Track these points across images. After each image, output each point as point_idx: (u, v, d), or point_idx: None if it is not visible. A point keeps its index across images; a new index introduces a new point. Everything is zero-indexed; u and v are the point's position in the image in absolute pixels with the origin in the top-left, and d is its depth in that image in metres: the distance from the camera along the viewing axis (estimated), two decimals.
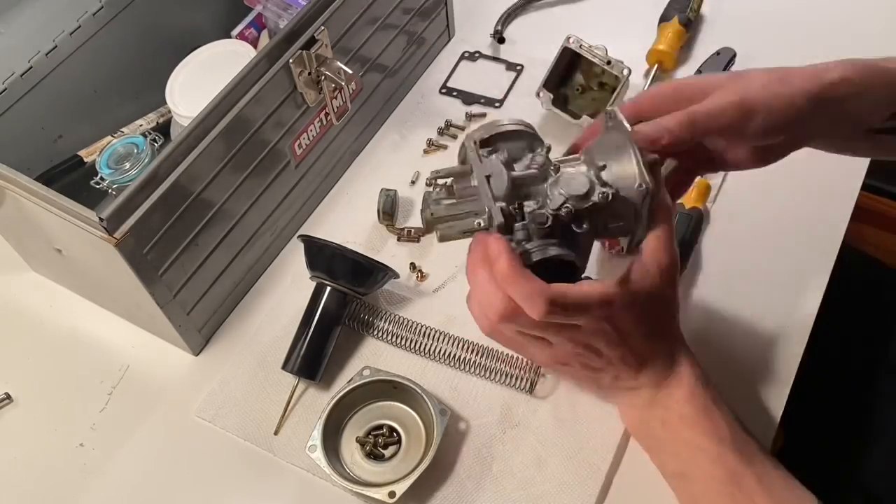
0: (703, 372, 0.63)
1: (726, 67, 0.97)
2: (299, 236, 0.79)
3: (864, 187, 0.87)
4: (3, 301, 0.88)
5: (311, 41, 0.78)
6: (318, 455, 0.70)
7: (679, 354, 0.63)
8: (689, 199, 0.84)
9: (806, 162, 0.89)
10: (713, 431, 0.61)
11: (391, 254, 0.86)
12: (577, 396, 0.74)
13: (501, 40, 1.05)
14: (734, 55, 0.97)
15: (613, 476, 0.70)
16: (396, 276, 0.80)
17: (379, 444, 0.72)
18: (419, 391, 0.72)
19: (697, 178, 0.78)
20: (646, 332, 0.60)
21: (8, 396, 0.80)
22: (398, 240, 0.87)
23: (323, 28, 0.79)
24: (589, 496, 0.69)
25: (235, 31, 0.99)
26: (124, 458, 0.75)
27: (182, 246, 0.73)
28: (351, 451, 0.72)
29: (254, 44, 0.99)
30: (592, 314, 0.57)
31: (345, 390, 0.73)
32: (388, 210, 0.87)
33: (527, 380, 0.74)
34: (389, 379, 0.74)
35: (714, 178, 0.87)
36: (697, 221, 0.82)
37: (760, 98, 0.60)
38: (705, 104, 0.61)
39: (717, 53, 0.98)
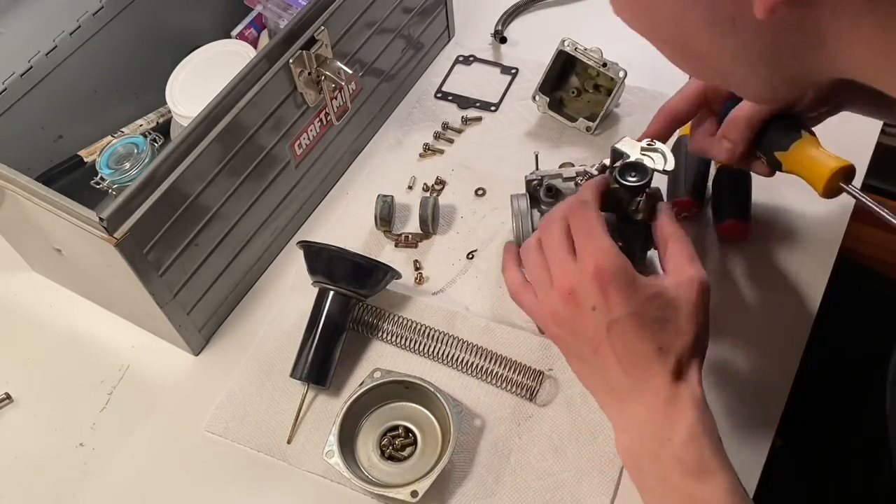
0: (708, 417, 0.58)
1: None
2: (298, 243, 0.79)
3: (864, 187, 0.87)
4: (3, 301, 0.88)
5: (311, 41, 0.78)
6: (336, 460, 0.70)
7: (683, 386, 0.58)
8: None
9: None
10: (711, 484, 0.55)
11: (388, 259, 0.86)
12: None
13: (503, 40, 1.05)
14: None
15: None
16: (398, 275, 0.80)
17: (396, 445, 0.73)
18: (432, 390, 0.72)
19: None
20: (640, 331, 0.57)
21: (8, 396, 0.80)
22: (395, 245, 0.87)
23: (323, 28, 0.79)
24: (608, 483, 0.69)
25: (235, 31, 0.99)
26: (124, 458, 0.75)
27: (182, 246, 0.73)
28: (367, 453, 0.72)
29: (254, 44, 0.99)
30: (594, 243, 0.59)
31: (357, 393, 0.73)
32: (386, 216, 0.87)
33: (527, 387, 0.74)
34: (401, 379, 0.74)
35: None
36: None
37: None
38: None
39: None
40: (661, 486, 0.57)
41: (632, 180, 0.65)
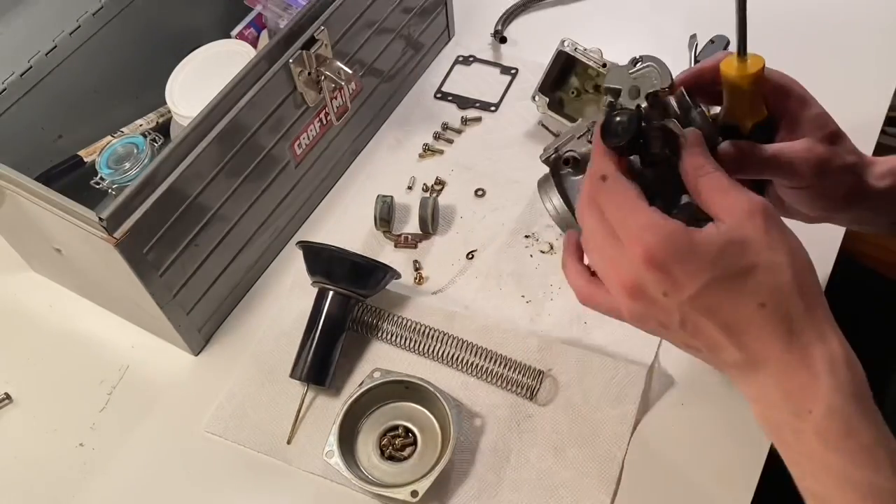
0: (851, 376, 0.48)
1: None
2: (298, 243, 0.79)
3: None
4: (3, 301, 0.87)
5: (311, 41, 0.78)
6: (336, 460, 0.70)
7: (810, 345, 0.48)
8: None
9: None
10: (865, 459, 0.47)
11: (388, 260, 0.86)
12: (589, 385, 0.75)
13: (503, 40, 1.05)
14: (728, 42, 0.98)
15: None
16: (398, 275, 0.80)
17: (396, 445, 0.72)
18: (432, 390, 0.72)
19: None
20: (728, 294, 0.48)
21: (8, 396, 0.80)
22: (395, 246, 0.87)
23: (323, 28, 0.79)
24: (609, 482, 0.70)
25: (235, 31, 0.99)
26: (124, 458, 0.75)
27: (182, 246, 0.73)
28: (367, 453, 0.72)
29: (254, 44, 0.99)
30: (632, 224, 0.49)
31: (357, 393, 0.73)
32: (385, 217, 0.87)
33: (527, 387, 0.74)
34: (401, 379, 0.74)
35: None
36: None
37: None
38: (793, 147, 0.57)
39: (712, 41, 0.98)
40: (810, 463, 0.49)
41: (617, 131, 0.53)
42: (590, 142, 0.61)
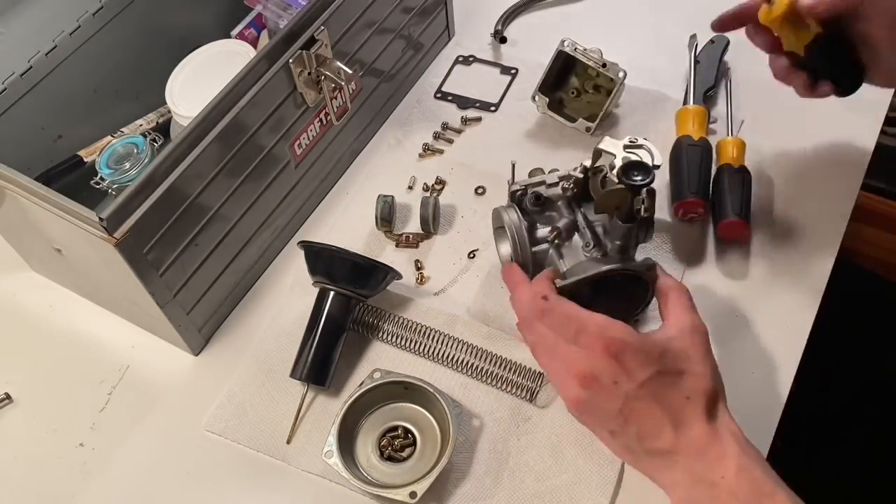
0: (751, 446, 0.60)
1: (721, 55, 0.97)
2: (299, 243, 0.79)
3: (864, 187, 0.87)
4: (2, 301, 0.88)
5: (311, 41, 0.78)
6: (335, 461, 0.70)
7: (720, 425, 0.60)
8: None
9: (806, 161, 0.89)
10: None
11: (389, 260, 0.86)
12: None
13: (503, 40, 1.05)
14: (728, 42, 0.98)
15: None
16: (399, 275, 0.80)
17: (395, 446, 0.73)
18: (432, 391, 0.72)
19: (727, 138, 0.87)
20: (665, 388, 0.60)
21: (8, 396, 0.80)
22: (396, 246, 0.87)
23: (323, 28, 0.79)
24: (607, 485, 0.70)
25: (235, 31, 0.99)
26: (124, 458, 0.75)
27: (182, 246, 0.73)
28: (367, 454, 0.72)
29: (253, 44, 0.99)
30: (589, 332, 0.61)
31: (357, 394, 0.73)
32: (386, 216, 0.87)
33: (527, 389, 0.74)
34: (401, 380, 0.74)
35: None
36: (707, 151, 0.85)
37: None
38: None
39: (712, 42, 0.98)
40: None
41: (637, 179, 0.65)
42: (564, 189, 0.74)
